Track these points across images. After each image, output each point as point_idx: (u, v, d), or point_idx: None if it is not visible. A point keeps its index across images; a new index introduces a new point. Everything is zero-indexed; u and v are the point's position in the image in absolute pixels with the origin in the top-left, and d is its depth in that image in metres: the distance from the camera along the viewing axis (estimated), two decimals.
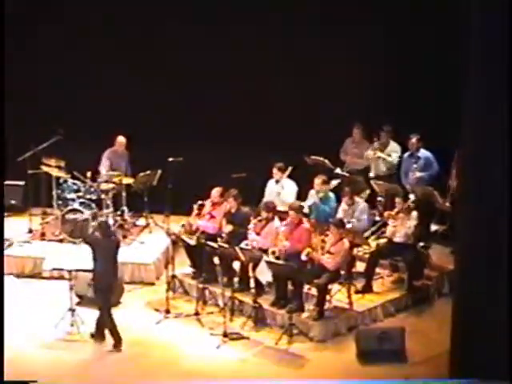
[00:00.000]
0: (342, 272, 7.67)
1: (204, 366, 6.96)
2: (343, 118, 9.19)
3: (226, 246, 7.74)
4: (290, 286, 7.62)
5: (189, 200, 8.44)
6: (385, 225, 8.15)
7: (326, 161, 8.95)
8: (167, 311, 7.80)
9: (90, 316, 7.39)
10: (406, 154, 8.98)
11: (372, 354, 7.03)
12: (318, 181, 8.39)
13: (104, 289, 7.17)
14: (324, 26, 9.34)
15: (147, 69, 9.65)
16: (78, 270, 7.40)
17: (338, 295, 7.75)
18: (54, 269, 7.87)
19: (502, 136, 5.89)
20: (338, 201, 8.44)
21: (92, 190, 9.03)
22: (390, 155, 9.04)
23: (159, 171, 9.11)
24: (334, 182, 8.60)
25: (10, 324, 7.42)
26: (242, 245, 7.81)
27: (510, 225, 5.95)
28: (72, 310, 7.44)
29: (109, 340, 7.26)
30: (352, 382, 6.67)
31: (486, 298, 6.16)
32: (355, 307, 7.70)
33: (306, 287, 7.65)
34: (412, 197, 8.27)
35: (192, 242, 8.02)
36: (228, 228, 8.13)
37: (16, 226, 9.32)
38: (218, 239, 8.00)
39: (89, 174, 9.04)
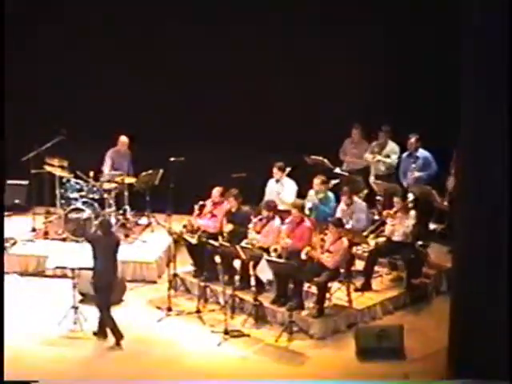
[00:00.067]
0: (342, 270, 7.71)
1: (205, 364, 7.01)
2: (343, 118, 9.21)
3: (226, 244, 7.78)
4: (290, 285, 7.67)
5: (190, 199, 8.46)
6: (383, 224, 8.16)
7: (326, 160, 8.98)
8: (169, 309, 7.84)
9: (92, 314, 7.42)
10: (405, 154, 9.01)
11: (371, 351, 7.08)
12: (317, 181, 8.44)
13: (104, 287, 7.21)
14: (324, 26, 9.36)
15: (147, 69, 9.68)
16: (80, 269, 7.45)
17: (338, 293, 7.78)
18: (57, 267, 7.91)
19: (502, 136, 5.90)
20: (338, 200, 8.47)
21: (95, 189, 9.07)
22: (389, 156, 9.08)
23: (161, 171, 9.16)
24: (333, 182, 8.63)
25: (14, 322, 7.50)
26: (243, 244, 7.85)
27: (510, 224, 5.96)
28: (75, 308, 7.50)
29: (111, 338, 7.29)
30: (351, 382, 6.71)
31: (483, 296, 6.19)
32: (354, 305, 7.73)
33: (305, 285, 7.69)
34: (410, 196, 8.34)
35: (193, 240, 8.07)
36: (228, 227, 8.16)
37: (20, 225, 9.39)
38: (219, 238, 8.05)
39: (91, 173, 9.08)
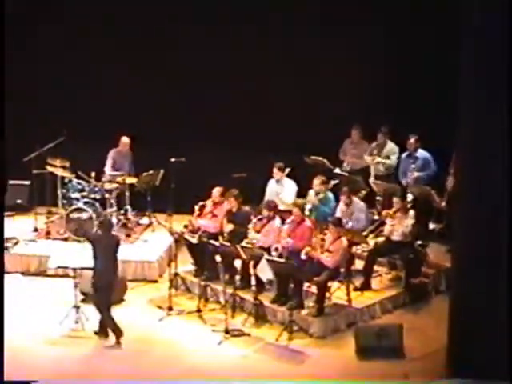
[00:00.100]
0: (342, 270, 7.73)
1: (206, 362, 7.03)
2: (343, 117, 9.22)
3: (227, 244, 7.82)
4: (290, 284, 7.69)
5: (191, 199, 8.49)
6: (383, 224, 8.21)
7: (326, 161, 9.00)
8: (170, 308, 7.87)
9: (94, 313, 7.42)
10: (405, 154, 9.03)
11: (371, 350, 7.12)
12: (316, 181, 8.47)
13: (104, 286, 7.24)
14: (324, 26, 9.37)
15: (147, 69, 9.68)
16: (82, 268, 7.47)
17: (338, 292, 7.81)
18: (59, 267, 7.92)
19: (502, 136, 5.91)
20: (337, 200, 8.49)
21: (96, 189, 9.10)
22: (388, 157, 9.10)
23: (162, 171, 9.18)
24: (333, 182, 8.65)
25: (16, 321, 7.55)
26: (243, 243, 7.88)
27: (510, 224, 5.97)
28: (76, 308, 7.52)
29: (112, 337, 7.30)
30: (351, 383, 6.72)
31: (482, 296, 6.20)
32: (354, 304, 7.77)
33: (305, 285, 7.71)
34: (410, 196, 8.39)
35: (194, 240, 8.10)
36: (229, 227, 8.20)
37: (22, 225, 9.42)
38: (220, 238, 8.08)
39: (93, 173, 9.11)
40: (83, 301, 7.79)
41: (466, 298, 6.31)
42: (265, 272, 7.58)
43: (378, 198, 8.87)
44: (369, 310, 7.83)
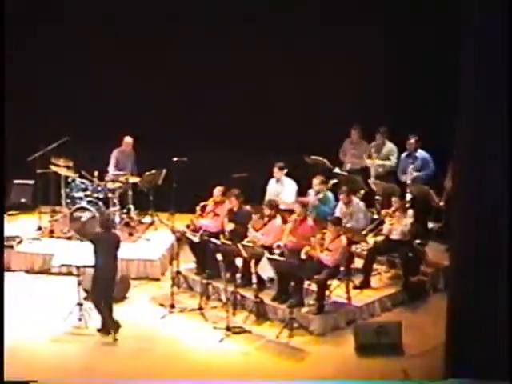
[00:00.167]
0: (341, 268, 7.77)
1: (207, 359, 7.08)
2: (343, 117, 9.23)
3: (228, 242, 7.87)
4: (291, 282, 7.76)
5: (193, 199, 8.51)
6: (382, 223, 8.26)
7: (326, 161, 9.04)
8: (172, 306, 7.92)
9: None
10: (404, 154, 9.08)
11: (370, 347, 7.14)
12: (316, 181, 8.53)
13: (104, 284, 7.28)
14: (324, 26, 9.38)
15: (147, 69, 9.69)
16: (85, 266, 7.52)
17: (337, 290, 7.85)
18: (63, 265, 8.02)
19: (502, 136, 5.90)
20: (337, 200, 8.54)
21: (99, 188, 9.14)
22: (388, 158, 9.15)
23: (164, 171, 9.22)
24: (332, 182, 8.69)
25: (20, 318, 7.61)
26: (244, 242, 7.93)
27: (510, 224, 5.95)
28: (80, 305, 7.57)
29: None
30: (351, 382, 6.75)
31: (481, 295, 6.19)
32: (354, 302, 7.80)
33: (306, 283, 7.76)
34: (408, 196, 8.47)
35: (196, 239, 8.14)
36: (230, 226, 8.27)
37: (26, 224, 9.47)
38: (221, 236, 8.13)
39: (96, 173, 9.15)
40: (86, 298, 7.81)
41: (465, 297, 6.30)
42: (266, 270, 7.63)
43: (377, 197, 8.91)
44: (368, 307, 7.87)
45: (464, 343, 6.30)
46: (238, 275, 7.99)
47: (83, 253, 7.53)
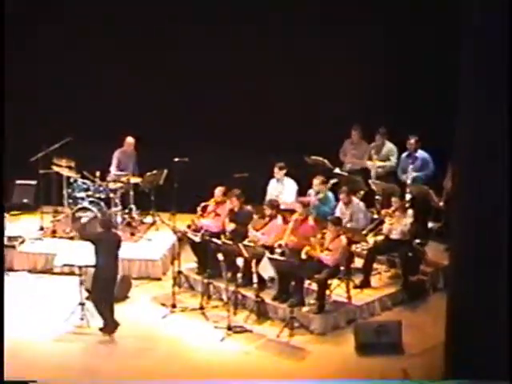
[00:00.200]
0: (342, 268, 7.81)
1: (209, 359, 7.11)
2: (343, 118, 9.24)
3: (229, 242, 7.90)
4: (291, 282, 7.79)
5: (194, 199, 8.56)
6: (382, 222, 8.29)
7: (326, 161, 9.06)
8: (173, 305, 7.96)
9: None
10: (404, 154, 9.10)
11: (370, 346, 7.18)
12: (316, 181, 8.58)
13: (105, 283, 7.32)
14: (324, 26, 9.38)
15: (147, 69, 9.69)
16: (87, 266, 7.55)
17: (338, 290, 7.88)
18: (65, 265, 8.05)
19: (502, 136, 5.86)
20: (337, 200, 8.58)
21: (101, 189, 9.16)
22: (388, 158, 9.17)
23: (165, 171, 9.24)
24: (332, 181, 8.72)
25: (22, 318, 7.66)
26: (245, 242, 7.96)
27: (510, 224, 5.94)
28: (82, 305, 7.59)
29: (117, 333, 7.41)
30: (351, 382, 6.78)
31: (481, 295, 6.18)
32: (354, 301, 7.84)
33: (306, 282, 7.79)
34: (408, 196, 8.52)
35: (197, 238, 8.18)
36: (231, 226, 8.31)
37: (28, 224, 9.50)
38: (222, 236, 8.16)
39: (98, 173, 9.18)
40: (88, 298, 7.80)
41: (464, 296, 6.30)
42: (266, 270, 7.66)
43: (377, 197, 8.94)
44: (368, 307, 7.90)
45: (464, 343, 6.31)
46: (239, 275, 7.99)
47: (85, 253, 7.55)
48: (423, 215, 8.64)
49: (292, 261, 7.67)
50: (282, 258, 7.75)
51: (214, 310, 7.96)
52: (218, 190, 8.56)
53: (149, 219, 9.67)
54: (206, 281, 8.16)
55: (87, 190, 9.24)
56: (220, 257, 7.78)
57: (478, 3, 5.93)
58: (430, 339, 7.19)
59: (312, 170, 8.93)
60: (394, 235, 8.21)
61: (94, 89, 9.80)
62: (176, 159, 8.87)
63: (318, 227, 7.99)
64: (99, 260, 7.32)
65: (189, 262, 8.63)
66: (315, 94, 9.50)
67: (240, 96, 9.64)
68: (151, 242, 9.24)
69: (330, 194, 8.71)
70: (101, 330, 7.55)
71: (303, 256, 7.74)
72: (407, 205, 8.32)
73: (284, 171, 8.85)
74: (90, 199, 9.16)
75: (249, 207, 8.51)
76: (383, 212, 8.35)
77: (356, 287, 8.07)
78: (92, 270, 7.57)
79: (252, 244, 7.95)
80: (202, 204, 8.53)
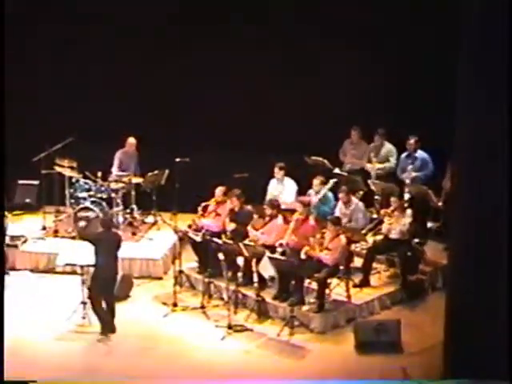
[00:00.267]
0: (341, 267, 7.85)
1: (209, 357, 7.13)
2: (343, 118, 9.26)
3: (230, 242, 7.94)
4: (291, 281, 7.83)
5: (195, 199, 8.58)
6: (381, 222, 8.32)
7: (326, 161, 9.09)
8: (174, 304, 8.00)
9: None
10: (404, 155, 9.13)
11: (369, 345, 7.20)
12: (316, 181, 8.62)
13: (105, 282, 7.36)
14: (324, 26, 9.38)
15: (147, 69, 9.70)
16: (89, 266, 7.55)
17: (337, 289, 7.91)
18: (67, 264, 8.03)
19: (502, 136, 5.86)
20: (337, 199, 8.61)
21: (103, 189, 9.20)
22: (388, 160, 9.20)
23: (167, 171, 9.28)
24: (332, 181, 8.75)
25: (25, 317, 7.70)
26: (246, 241, 8.00)
27: (510, 224, 5.94)
28: (84, 304, 7.60)
29: (119, 332, 7.46)
30: (351, 382, 6.81)
31: (480, 294, 6.18)
32: (353, 300, 7.87)
33: (306, 281, 7.81)
34: (407, 195, 8.55)
35: (198, 238, 8.20)
36: (231, 226, 8.35)
37: (30, 224, 9.54)
38: (223, 236, 8.20)
39: (99, 173, 9.22)
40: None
41: (464, 296, 6.31)
42: (267, 269, 7.70)
43: (376, 197, 8.97)
44: (368, 306, 7.93)
45: (463, 342, 6.31)
46: (240, 274, 8.05)
47: (87, 252, 7.56)
48: (422, 215, 8.65)
49: (292, 260, 7.70)
50: (282, 258, 7.78)
51: (214, 309, 7.99)
52: (219, 190, 8.60)
53: (150, 219, 9.71)
54: (206, 280, 8.20)
55: (89, 190, 9.27)
56: (221, 256, 7.81)
57: (477, 3, 5.92)
58: (428, 338, 7.22)
59: (312, 170, 8.96)
60: (393, 235, 8.24)
61: (94, 89, 9.81)
62: (177, 159, 8.91)
63: (319, 227, 8.03)
64: (99, 260, 7.36)
65: (190, 261, 8.67)
66: (315, 94, 9.49)
67: (240, 96, 9.65)
68: (152, 242, 9.28)
69: (330, 194, 8.74)
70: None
71: (302, 256, 7.76)
72: (406, 205, 8.36)
73: (284, 171, 8.89)
74: (92, 199, 9.19)
75: (249, 207, 8.53)
76: (382, 212, 8.38)
77: (355, 286, 8.09)
78: (93, 269, 7.58)
79: (252, 243, 7.98)
80: (203, 204, 8.57)
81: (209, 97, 9.80)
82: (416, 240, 8.40)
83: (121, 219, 9.30)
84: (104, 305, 7.49)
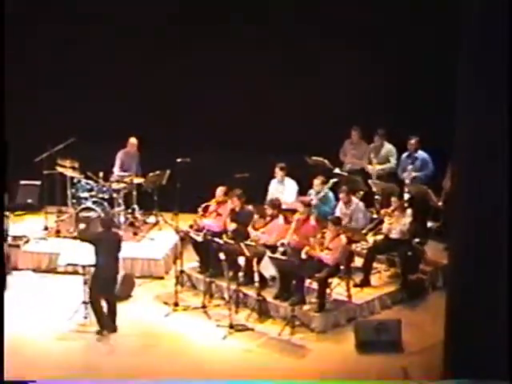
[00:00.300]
0: (342, 267, 7.87)
1: (211, 357, 7.16)
2: (343, 118, 9.28)
3: (231, 242, 7.96)
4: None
5: (196, 199, 8.60)
6: (381, 222, 8.35)
7: (326, 161, 9.11)
8: (176, 304, 8.02)
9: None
10: (405, 155, 9.15)
11: (370, 344, 7.22)
12: (317, 181, 8.65)
13: (105, 282, 7.39)
14: (324, 26, 9.40)
15: (147, 69, 9.71)
16: (91, 266, 7.55)
17: (338, 289, 7.93)
18: (69, 264, 8.07)
19: (502, 136, 5.86)
20: (337, 199, 8.64)
21: (104, 189, 9.22)
22: (388, 160, 9.22)
23: (168, 171, 9.30)
24: (332, 181, 8.77)
25: (27, 316, 7.73)
26: (247, 241, 8.02)
27: (510, 224, 5.94)
28: (85, 303, 7.63)
29: (120, 331, 7.50)
30: (351, 382, 6.77)
31: (481, 294, 6.19)
32: (354, 300, 7.89)
33: (307, 281, 7.81)
34: (406, 195, 8.59)
35: (199, 238, 8.22)
36: (232, 226, 8.37)
37: (32, 224, 9.56)
38: (224, 236, 8.22)
39: (101, 174, 9.24)
40: None
41: (464, 295, 6.32)
42: (268, 269, 7.73)
43: (376, 197, 9.00)
44: (368, 305, 7.95)
45: (463, 342, 6.32)
46: (241, 274, 8.07)
47: (89, 252, 7.58)
48: (422, 215, 8.68)
49: (293, 260, 7.72)
50: (282, 257, 7.81)
51: (215, 309, 8.01)
52: (220, 190, 8.62)
53: (152, 219, 9.74)
54: (208, 280, 8.23)
55: (91, 190, 9.29)
56: (222, 256, 7.83)
57: (477, 3, 5.92)
58: (429, 337, 7.24)
59: (312, 171, 8.97)
60: (394, 234, 8.27)
61: (94, 89, 9.82)
62: (178, 160, 8.93)
63: (319, 227, 8.05)
64: (99, 259, 7.39)
65: (191, 261, 8.69)
66: (315, 94, 9.50)
67: (240, 96, 9.65)
68: (154, 242, 9.31)
69: (331, 194, 8.77)
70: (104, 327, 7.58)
71: (303, 256, 7.78)
72: (406, 204, 8.38)
73: (284, 172, 8.92)
74: (94, 199, 9.21)
75: (250, 207, 8.55)
76: (382, 212, 8.40)
77: (356, 286, 8.11)
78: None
79: (253, 243, 8.00)
80: (204, 204, 8.59)
81: (209, 97, 9.82)
82: (416, 240, 8.43)
83: (122, 219, 9.32)
84: (105, 304, 7.52)
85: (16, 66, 9.11)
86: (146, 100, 9.87)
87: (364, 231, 8.41)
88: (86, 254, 7.64)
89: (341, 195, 8.54)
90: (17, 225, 9.40)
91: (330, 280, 7.81)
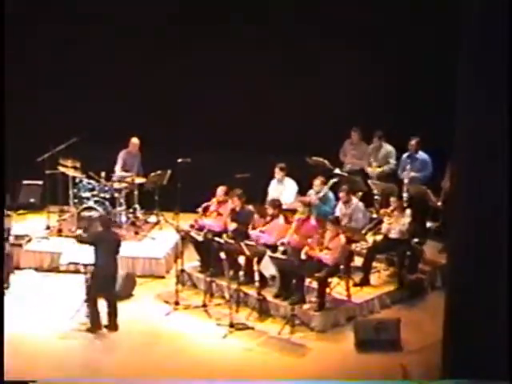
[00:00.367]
0: (341, 266, 7.90)
1: (211, 355, 7.18)
2: (343, 118, 9.29)
3: (231, 241, 7.99)
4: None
5: (197, 199, 8.63)
6: (381, 222, 8.38)
7: (326, 161, 9.13)
8: (176, 303, 8.04)
9: (103, 307, 7.58)
10: (405, 155, 9.18)
11: (369, 343, 7.25)
12: (317, 182, 8.68)
13: (104, 281, 7.41)
14: (324, 26, 9.42)
15: (147, 69, 9.72)
16: (92, 265, 7.57)
17: (338, 288, 7.96)
18: (71, 263, 8.10)
19: (502, 136, 5.82)
20: (337, 199, 8.67)
21: (106, 188, 9.25)
22: (387, 161, 9.25)
23: (169, 171, 9.33)
24: (332, 181, 8.80)
25: (29, 315, 7.76)
26: (247, 241, 8.06)
27: (510, 224, 5.92)
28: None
29: (122, 330, 7.53)
30: (351, 382, 6.79)
31: (480, 294, 6.17)
32: (353, 299, 7.92)
33: (307, 280, 7.83)
34: (405, 195, 8.62)
35: (200, 238, 8.26)
36: (232, 225, 8.40)
37: (34, 223, 9.60)
38: (224, 235, 8.24)
39: (103, 174, 9.27)
40: None
41: (463, 295, 6.31)
42: (268, 268, 7.77)
43: (376, 197, 9.03)
44: (368, 304, 7.97)
45: (462, 341, 6.31)
46: (241, 273, 8.03)
47: (90, 251, 7.60)
48: (421, 215, 8.70)
49: (292, 259, 7.74)
50: (282, 257, 7.83)
51: (216, 308, 8.04)
52: (220, 190, 8.65)
53: (153, 218, 9.77)
54: (208, 279, 8.25)
55: (92, 189, 9.32)
56: (222, 255, 7.85)
57: (477, 3, 5.90)
58: (428, 337, 7.25)
59: (312, 171, 9.00)
60: (393, 234, 8.30)
61: (94, 89, 9.83)
62: (179, 160, 8.95)
63: (320, 226, 8.08)
64: (98, 258, 7.41)
65: (192, 260, 8.72)
66: (315, 94, 9.51)
67: (240, 96, 9.66)
68: (155, 241, 9.33)
69: (331, 194, 8.79)
70: (105, 326, 7.62)
71: (302, 256, 7.81)
72: (405, 204, 8.42)
73: (284, 172, 8.95)
74: (96, 199, 9.24)
75: (250, 207, 8.58)
76: (382, 212, 8.43)
77: (356, 285, 8.14)
78: None
79: (253, 243, 8.04)
80: (204, 204, 8.62)
81: (209, 97, 9.83)
82: (415, 239, 8.46)
83: (124, 219, 9.36)
84: (105, 304, 7.55)
85: (16, 65, 9.11)
86: (146, 100, 9.90)
87: (363, 231, 8.44)
88: (87, 253, 7.66)
89: (341, 194, 8.57)
90: (19, 224, 9.43)
91: (329, 279, 7.84)
